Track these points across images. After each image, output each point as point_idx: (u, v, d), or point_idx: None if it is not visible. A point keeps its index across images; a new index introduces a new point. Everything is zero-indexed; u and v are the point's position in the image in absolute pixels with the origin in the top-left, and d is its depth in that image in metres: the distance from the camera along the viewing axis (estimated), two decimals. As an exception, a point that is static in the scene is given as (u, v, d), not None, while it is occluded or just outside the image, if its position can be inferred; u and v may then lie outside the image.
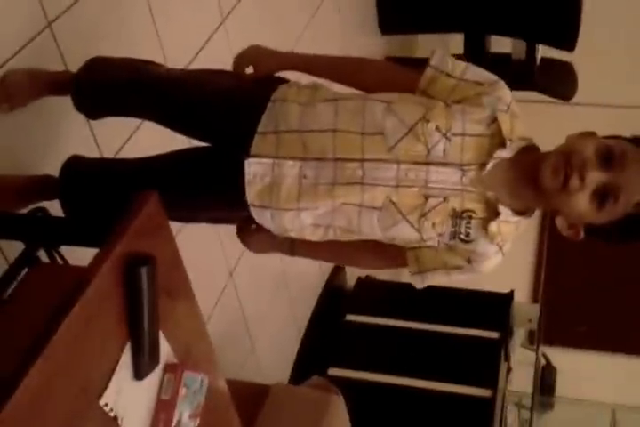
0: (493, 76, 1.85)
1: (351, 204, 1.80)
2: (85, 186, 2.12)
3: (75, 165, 2.17)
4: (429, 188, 1.76)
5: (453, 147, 1.75)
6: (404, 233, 1.81)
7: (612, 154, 1.67)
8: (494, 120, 1.77)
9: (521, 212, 1.82)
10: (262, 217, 1.90)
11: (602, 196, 1.67)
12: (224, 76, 2.06)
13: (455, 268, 1.85)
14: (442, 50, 1.86)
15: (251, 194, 1.86)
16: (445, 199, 1.76)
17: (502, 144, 1.75)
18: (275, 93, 1.91)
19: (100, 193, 2.06)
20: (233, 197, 1.89)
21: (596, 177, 1.66)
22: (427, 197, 1.76)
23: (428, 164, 1.75)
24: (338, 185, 1.79)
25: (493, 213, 1.77)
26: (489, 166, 1.75)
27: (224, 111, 1.93)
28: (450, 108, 1.78)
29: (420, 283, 1.89)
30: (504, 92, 1.81)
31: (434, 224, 1.77)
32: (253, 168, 1.84)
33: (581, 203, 1.68)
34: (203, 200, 1.99)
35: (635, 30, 5.95)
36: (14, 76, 2.21)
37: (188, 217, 2.13)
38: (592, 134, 1.79)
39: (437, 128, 1.74)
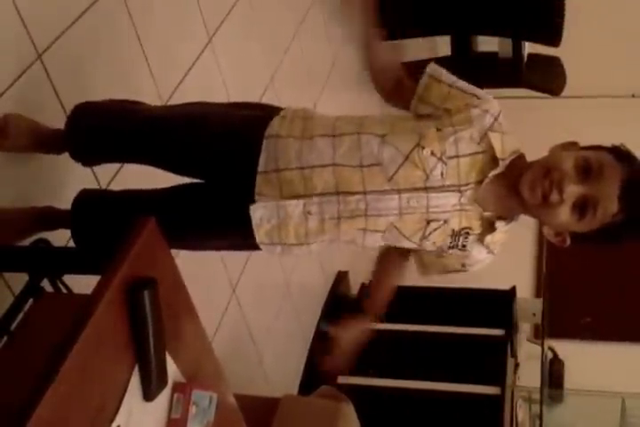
0: (481, 91, 1.89)
1: (356, 229, 1.88)
2: (96, 222, 2.14)
3: (86, 199, 2.20)
4: (430, 212, 1.82)
5: (450, 169, 1.80)
6: (405, 246, 1.92)
7: (589, 166, 1.72)
8: (484, 135, 1.81)
9: (511, 216, 1.89)
10: (272, 251, 1.97)
11: (581, 208, 1.72)
12: (213, 110, 2.09)
13: (451, 271, 1.99)
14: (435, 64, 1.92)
15: (260, 234, 1.93)
16: (445, 222, 1.83)
17: (495, 162, 1.81)
18: (268, 129, 1.92)
19: (110, 228, 2.07)
20: (241, 231, 1.94)
21: (574, 190, 1.71)
22: (428, 221, 1.83)
23: (427, 189, 1.81)
24: (343, 219, 1.86)
25: (489, 228, 1.86)
26: (484, 184, 1.81)
27: (221, 154, 1.95)
28: (442, 132, 1.82)
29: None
30: (491, 105, 1.86)
31: (434, 243, 1.87)
32: (258, 213, 1.89)
33: (562, 215, 1.74)
34: (211, 232, 2.04)
35: (620, 20, 5.96)
36: (17, 121, 2.22)
37: (197, 247, 2.18)
38: (574, 144, 1.84)
39: (432, 153, 1.80)
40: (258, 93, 3.81)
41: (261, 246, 1.96)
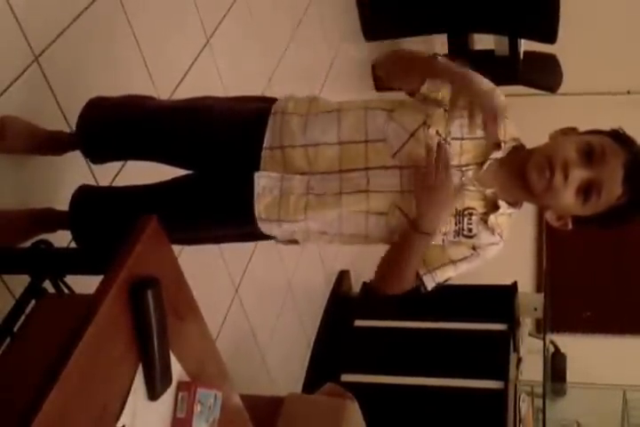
0: (490, 84, 1.85)
1: (358, 211, 1.86)
2: (94, 215, 2.13)
3: (84, 194, 2.18)
4: None
5: (453, 150, 1.81)
6: None
7: (592, 150, 1.74)
8: None
9: (513, 203, 1.90)
10: (270, 228, 1.94)
11: (586, 191, 1.74)
12: (220, 101, 2.12)
13: (461, 259, 1.90)
14: (443, 57, 1.83)
15: (259, 207, 1.90)
16: None
17: (497, 146, 1.82)
18: (274, 106, 1.94)
19: (108, 220, 2.06)
20: (240, 213, 1.93)
21: (578, 174, 1.73)
22: None
23: None
24: (344, 194, 1.84)
25: (492, 208, 1.85)
26: (485, 166, 1.82)
27: (229, 132, 1.95)
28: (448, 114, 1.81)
29: (431, 282, 1.92)
30: (498, 101, 1.83)
31: None
32: (262, 181, 1.88)
33: (567, 198, 1.75)
34: (211, 220, 2.01)
35: (614, 17, 5.97)
36: (14, 124, 2.21)
37: (196, 238, 2.16)
38: (573, 130, 1.86)
39: (438, 133, 1.80)
40: (256, 94, 3.78)
41: (259, 223, 1.93)
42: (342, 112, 1.88)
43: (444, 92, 1.82)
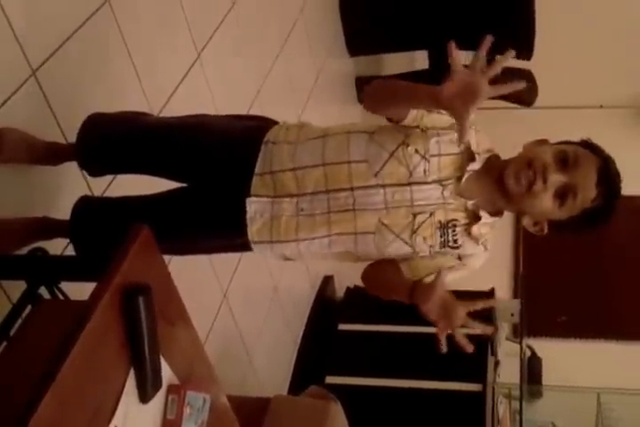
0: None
1: (346, 233, 1.89)
2: (93, 224, 2.13)
3: (84, 204, 2.18)
4: (415, 206, 1.84)
5: (432, 166, 1.83)
6: (398, 249, 1.88)
7: (566, 157, 1.78)
8: None
9: (494, 213, 1.91)
10: (262, 250, 1.98)
11: (562, 194, 1.78)
12: (216, 120, 2.14)
13: (448, 268, 1.89)
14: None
15: (252, 230, 1.94)
16: (431, 214, 1.85)
17: (472, 158, 1.84)
18: (267, 135, 1.97)
19: (106, 230, 2.04)
20: (233, 229, 1.96)
21: (556, 178, 1.77)
22: (414, 215, 1.85)
23: (410, 184, 1.84)
24: (333, 213, 1.87)
25: (474, 218, 1.88)
26: (464, 178, 1.84)
27: (221, 157, 1.97)
28: (426, 133, 1.85)
29: None
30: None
31: (425, 238, 1.86)
32: (254, 206, 1.91)
33: (545, 203, 1.79)
34: (204, 232, 2.03)
35: (587, 36, 6.01)
36: (12, 135, 2.20)
37: (189, 249, 2.17)
38: (545, 141, 1.90)
39: (417, 151, 1.83)
40: (245, 107, 3.80)
41: (252, 246, 1.96)
42: (327, 137, 1.92)
43: (429, 120, 1.85)
